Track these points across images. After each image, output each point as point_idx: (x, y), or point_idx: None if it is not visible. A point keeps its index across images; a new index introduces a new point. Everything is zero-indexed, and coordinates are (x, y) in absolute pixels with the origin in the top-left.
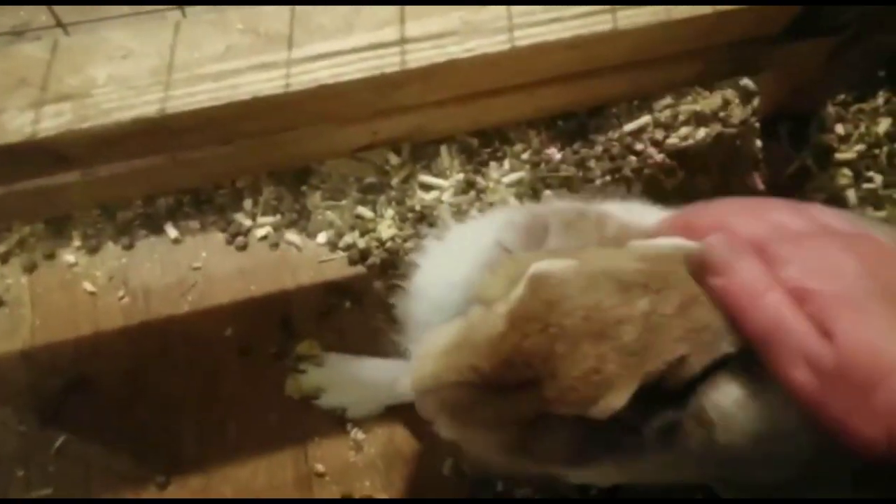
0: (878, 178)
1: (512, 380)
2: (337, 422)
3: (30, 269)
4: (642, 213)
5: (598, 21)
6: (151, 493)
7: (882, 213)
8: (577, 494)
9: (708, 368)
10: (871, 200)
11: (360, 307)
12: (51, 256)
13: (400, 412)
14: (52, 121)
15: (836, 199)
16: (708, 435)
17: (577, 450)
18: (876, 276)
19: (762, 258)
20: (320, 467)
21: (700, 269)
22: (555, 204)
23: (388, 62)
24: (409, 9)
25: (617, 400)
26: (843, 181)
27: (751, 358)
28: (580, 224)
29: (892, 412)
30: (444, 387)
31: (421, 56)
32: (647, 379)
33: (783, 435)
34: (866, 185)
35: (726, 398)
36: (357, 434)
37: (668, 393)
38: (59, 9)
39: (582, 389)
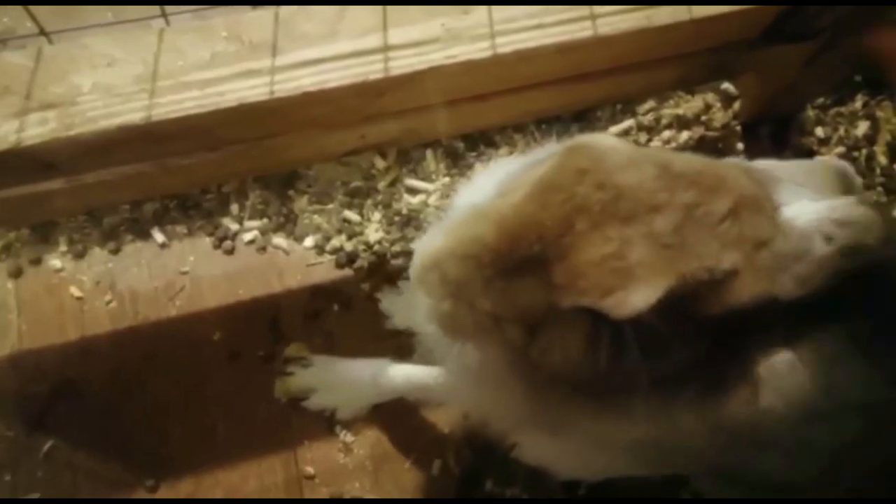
0: (858, 181)
1: (519, 257)
2: (326, 424)
3: (16, 274)
4: None
5: (579, 28)
6: (141, 497)
7: None
8: (564, 494)
9: (764, 310)
10: None
11: (348, 310)
12: (37, 262)
13: (388, 414)
14: (37, 129)
15: None
16: (751, 394)
17: (592, 366)
18: None
19: None
20: (310, 470)
21: None
22: None
23: (372, 69)
24: (391, 16)
25: (640, 296)
26: None
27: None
28: None
29: None
30: (448, 259)
31: (404, 63)
32: (682, 284)
33: (823, 418)
34: None
35: (780, 358)
36: (346, 436)
37: (709, 321)
38: (42, 17)
39: (596, 276)
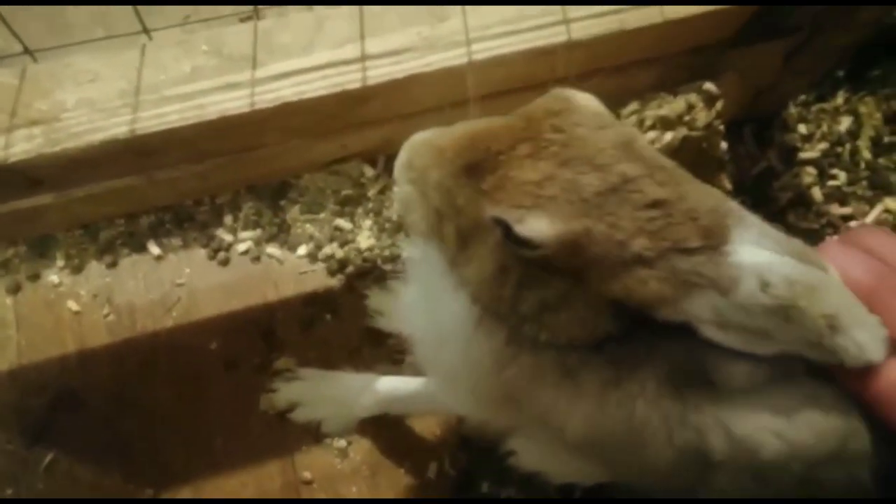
0: (842, 175)
1: (469, 160)
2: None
3: (14, 290)
4: None
5: (553, 33)
6: None
7: (847, 209)
8: (560, 496)
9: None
10: (837, 197)
11: (342, 317)
12: (35, 277)
13: (384, 418)
14: (23, 145)
15: (801, 197)
16: (709, 394)
17: (499, 290)
18: None
19: None
20: (307, 475)
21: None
22: None
23: (350, 78)
24: (368, 26)
25: (540, 223)
26: (807, 179)
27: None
28: None
29: None
30: (421, 146)
31: (382, 72)
32: (587, 238)
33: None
34: (831, 183)
35: (737, 367)
36: (342, 441)
37: (613, 301)
38: (31, 35)
39: (512, 192)
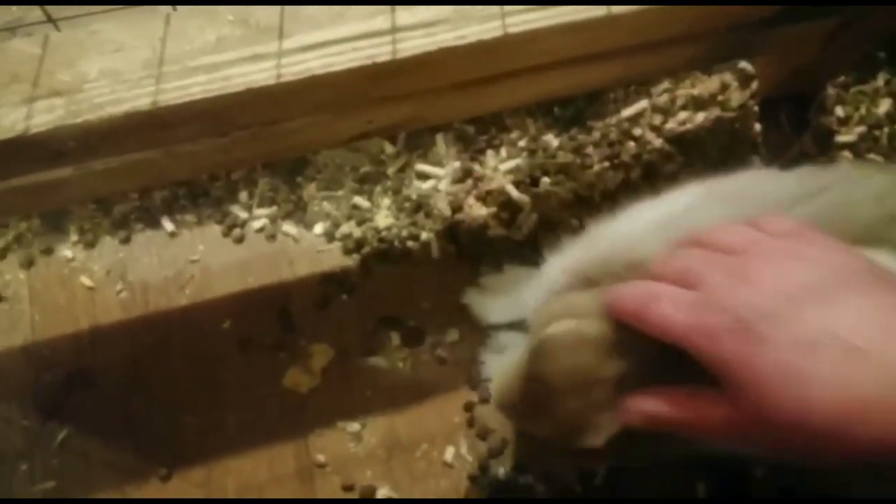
0: (880, 161)
1: (531, 407)
2: (337, 413)
3: (27, 264)
4: None
5: (593, 7)
6: (153, 485)
7: None
8: (577, 483)
9: None
10: None
11: (356, 297)
12: (48, 251)
13: (400, 402)
14: (45, 116)
15: None
16: None
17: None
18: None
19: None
20: (321, 458)
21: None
22: None
23: (380, 51)
24: None
25: (595, 440)
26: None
27: None
28: None
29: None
30: (503, 395)
31: (413, 44)
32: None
33: None
34: None
35: None
36: (357, 425)
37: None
38: (50, 5)
39: (570, 426)
